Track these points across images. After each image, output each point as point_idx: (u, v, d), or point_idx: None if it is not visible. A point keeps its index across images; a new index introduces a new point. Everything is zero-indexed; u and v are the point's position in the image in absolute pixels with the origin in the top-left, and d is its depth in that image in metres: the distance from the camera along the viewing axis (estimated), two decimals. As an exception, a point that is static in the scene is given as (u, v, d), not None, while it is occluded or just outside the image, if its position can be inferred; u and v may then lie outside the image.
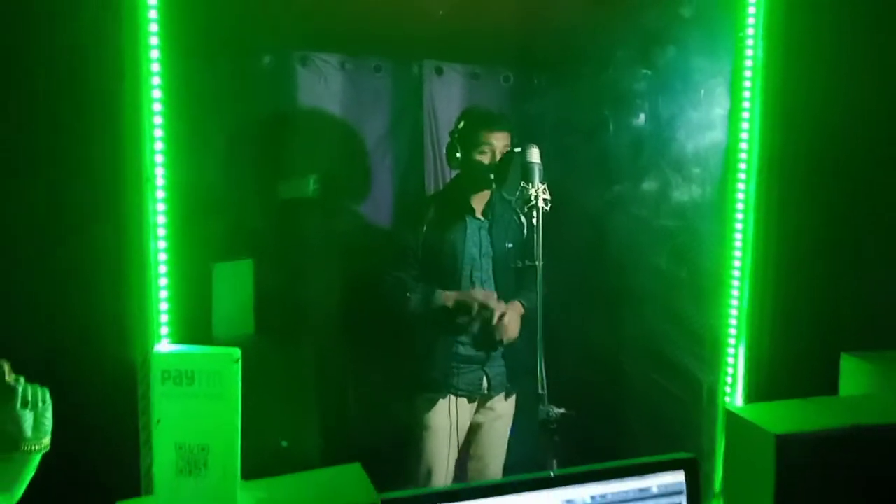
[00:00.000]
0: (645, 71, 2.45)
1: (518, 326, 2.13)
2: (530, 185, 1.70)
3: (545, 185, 1.71)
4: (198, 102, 1.62)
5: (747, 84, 1.91)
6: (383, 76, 2.62)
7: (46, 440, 1.09)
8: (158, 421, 1.16)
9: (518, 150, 1.83)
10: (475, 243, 2.18)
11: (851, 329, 1.87)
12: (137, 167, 1.50)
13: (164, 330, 1.54)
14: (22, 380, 1.07)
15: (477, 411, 2.25)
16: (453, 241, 2.16)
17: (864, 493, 1.40)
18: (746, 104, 1.92)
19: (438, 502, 1.14)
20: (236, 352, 1.17)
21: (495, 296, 2.14)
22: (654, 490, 1.23)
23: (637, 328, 2.40)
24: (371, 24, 2.24)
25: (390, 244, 2.34)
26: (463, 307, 2.11)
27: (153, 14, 1.50)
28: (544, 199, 1.69)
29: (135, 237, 1.51)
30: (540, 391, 1.60)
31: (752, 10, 1.89)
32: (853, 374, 1.73)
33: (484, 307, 2.10)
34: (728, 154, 1.97)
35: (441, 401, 2.17)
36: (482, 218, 2.21)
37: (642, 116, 2.48)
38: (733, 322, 1.97)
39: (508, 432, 2.29)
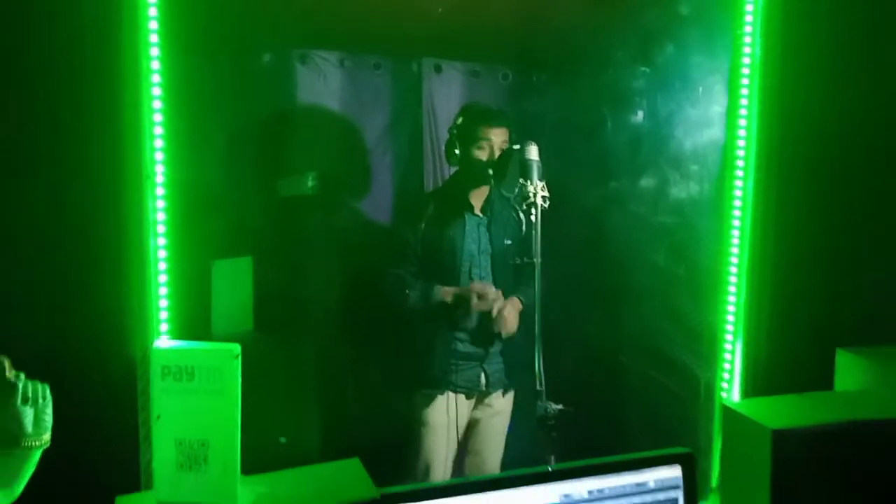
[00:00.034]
0: (643, 69, 2.45)
1: (516, 320, 2.14)
2: (529, 182, 1.71)
3: (544, 183, 1.72)
4: (197, 100, 1.63)
5: (745, 82, 1.92)
6: (382, 74, 2.62)
7: (47, 436, 1.09)
8: (158, 416, 1.17)
9: (517, 147, 1.84)
10: (474, 240, 2.19)
11: (847, 325, 1.88)
12: (137, 165, 1.51)
13: (164, 327, 1.55)
14: (22, 376, 1.07)
15: (475, 408, 2.26)
16: (452, 237, 2.17)
17: (860, 487, 1.41)
18: (744, 101, 1.92)
19: (438, 496, 1.14)
20: (236, 347, 1.17)
21: (493, 287, 2.14)
22: (651, 484, 1.23)
23: (635, 325, 2.41)
24: (370, 21, 2.24)
25: (390, 241, 2.35)
26: (461, 301, 2.12)
27: (153, 12, 1.50)
28: (543, 197, 1.69)
29: (134, 234, 1.51)
30: (538, 387, 1.61)
31: (749, 7, 1.90)
32: (849, 370, 1.74)
33: (482, 296, 2.10)
34: (726, 151, 1.97)
35: (439, 397, 2.18)
36: (481, 215, 2.21)
37: (640, 114, 2.49)
38: (730, 318, 1.97)
39: (506, 428, 2.30)
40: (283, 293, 2.24)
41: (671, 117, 2.31)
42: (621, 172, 2.52)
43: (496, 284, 2.18)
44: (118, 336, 1.51)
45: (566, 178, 2.19)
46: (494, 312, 2.11)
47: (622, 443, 2.09)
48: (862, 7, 1.94)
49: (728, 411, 1.54)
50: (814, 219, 1.94)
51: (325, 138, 2.54)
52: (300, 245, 2.39)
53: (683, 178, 2.27)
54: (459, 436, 2.23)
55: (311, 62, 2.49)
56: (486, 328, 2.14)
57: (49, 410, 1.10)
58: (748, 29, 1.91)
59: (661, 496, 1.24)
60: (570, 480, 1.20)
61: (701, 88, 2.17)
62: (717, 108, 2.06)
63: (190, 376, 1.16)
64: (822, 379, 1.77)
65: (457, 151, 2.17)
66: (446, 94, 2.63)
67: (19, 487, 1.09)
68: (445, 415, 2.18)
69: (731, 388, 1.99)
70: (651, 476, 1.24)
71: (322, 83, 2.50)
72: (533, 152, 1.77)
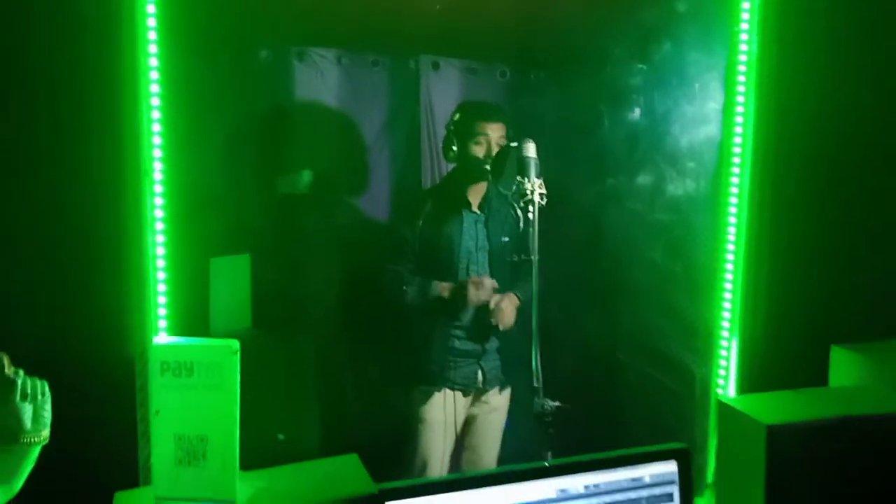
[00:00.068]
0: (640, 66, 2.46)
1: (513, 314, 2.15)
2: (526, 179, 1.71)
3: (541, 180, 1.72)
4: (195, 97, 1.63)
5: (741, 79, 1.92)
6: (380, 71, 2.62)
7: (45, 432, 1.10)
8: (157, 412, 1.17)
9: (514, 144, 1.85)
10: (471, 237, 2.19)
11: (842, 322, 1.89)
12: (136, 162, 1.51)
13: (162, 324, 1.55)
14: (21, 372, 1.08)
15: (472, 404, 2.26)
16: (450, 234, 2.17)
17: (854, 482, 1.42)
18: (741, 98, 1.93)
19: (436, 492, 1.15)
20: (235, 343, 1.18)
21: (489, 278, 2.15)
22: (647, 480, 1.24)
23: (632, 321, 2.42)
24: (368, 18, 2.25)
25: (387, 238, 2.35)
26: (458, 293, 2.12)
27: (151, 9, 1.50)
28: (540, 194, 1.69)
29: (133, 231, 1.52)
30: (535, 384, 1.61)
31: (746, 5, 1.91)
32: (843, 366, 1.75)
33: (478, 284, 2.10)
34: (722, 148, 1.98)
35: (437, 394, 2.19)
36: (478, 212, 2.22)
37: (637, 111, 2.49)
38: (726, 315, 1.98)
39: (503, 425, 2.30)
40: (282, 290, 2.24)
41: (668, 114, 2.32)
42: (618, 169, 2.53)
43: (493, 282, 2.18)
44: (117, 333, 1.52)
45: (564, 176, 2.20)
46: (492, 305, 2.12)
47: (619, 439, 2.10)
48: (858, 4, 1.94)
49: (723, 407, 1.55)
50: (809, 216, 1.95)
51: (322, 136, 2.54)
52: (298, 242, 2.40)
53: (680, 175, 2.28)
54: (457, 432, 2.24)
55: (309, 59, 2.49)
56: (483, 321, 2.14)
57: (48, 407, 1.10)
58: (745, 26, 1.91)
59: (656, 491, 1.24)
60: (566, 476, 1.20)
61: (698, 85, 2.17)
62: (714, 105, 2.06)
63: (189, 372, 1.16)
64: (816, 375, 1.78)
65: (454, 148, 2.18)
66: (444, 91, 2.64)
67: (18, 483, 1.09)
68: (442, 411, 2.19)
69: (726, 383, 2.00)
70: (647, 471, 1.24)
71: (320, 80, 2.50)
72: (531, 150, 1.78)
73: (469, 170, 2.17)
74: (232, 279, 2.12)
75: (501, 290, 2.16)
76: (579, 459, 1.22)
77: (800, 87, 1.90)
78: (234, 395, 1.18)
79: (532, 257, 1.65)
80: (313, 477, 1.26)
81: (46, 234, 1.48)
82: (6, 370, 1.06)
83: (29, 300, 1.49)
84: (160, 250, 1.54)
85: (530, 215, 1.67)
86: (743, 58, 1.92)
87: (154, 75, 1.52)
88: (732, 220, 1.96)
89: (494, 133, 2.13)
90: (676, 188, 2.29)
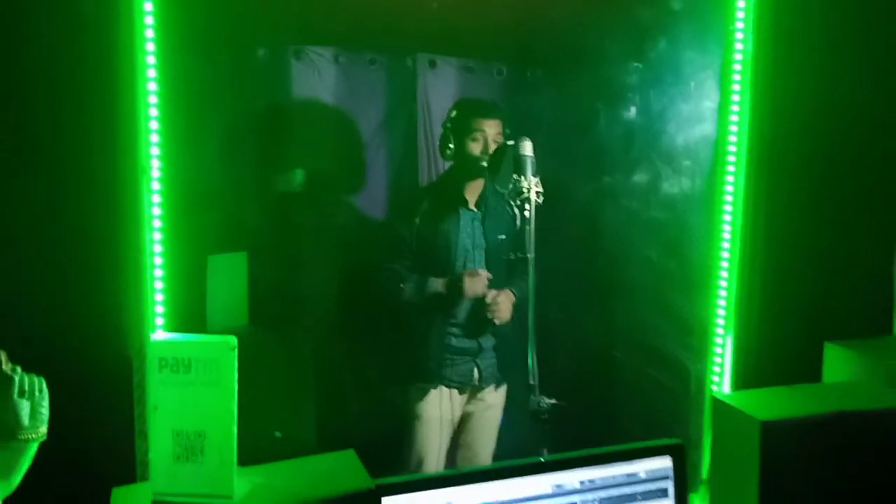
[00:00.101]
0: (636, 64, 2.47)
1: (510, 309, 2.15)
2: (523, 177, 1.71)
3: (538, 178, 1.72)
4: (193, 95, 1.64)
5: (737, 77, 1.94)
6: (377, 69, 2.62)
7: (43, 429, 1.10)
8: (155, 408, 1.18)
9: (511, 142, 1.85)
10: (468, 235, 2.20)
11: (835, 319, 1.90)
12: (133, 160, 1.52)
13: (160, 321, 1.56)
14: (19, 369, 1.08)
15: (468, 402, 2.27)
16: (447, 232, 2.18)
17: (848, 477, 1.43)
18: (736, 97, 1.94)
19: (432, 487, 1.16)
20: (233, 339, 1.18)
21: (484, 270, 2.15)
22: (642, 475, 1.25)
23: (627, 319, 2.43)
24: (365, 17, 2.25)
25: (384, 236, 2.35)
26: (454, 287, 2.13)
27: (148, 7, 1.51)
28: (537, 192, 1.70)
29: (131, 229, 1.52)
30: (531, 382, 1.62)
31: (741, 3, 1.92)
32: (836, 362, 1.76)
33: (473, 275, 2.11)
34: (717, 147, 1.99)
35: (433, 391, 2.19)
36: (475, 210, 2.22)
37: (633, 109, 2.50)
38: (721, 312, 2.00)
39: (499, 422, 2.31)
40: (279, 288, 2.25)
41: (664, 113, 2.33)
42: (614, 168, 2.53)
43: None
44: (114, 329, 1.52)
45: (560, 174, 2.20)
46: (489, 300, 2.13)
47: (615, 436, 2.11)
48: (853, 3, 1.95)
49: (718, 403, 1.56)
50: (804, 214, 1.96)
51: (319, 134, 2.54)
52: (295, 240, 2.40)
53: (675, 174, 2.29)
54: (454, 430, 2.25)
55: (306, 58, 2.49)
56: (479, 316, 2.15)
57: (46, 403, 1.11)
58: (740, 25, 1.92)
59: (651, 486, 1.26)
60: (562, 471, 1.21)
61: (693, 84, 2.18)
62: (709, 103, 2.07)
63: (187, 368, 1.16)
64: (810, 371, 1.79)
65: (451, 146, 2.18)
66: (441, 89, 2.64)
67: (16, 479, 1.10)
68: (439, 409, 2.19)
69: (721, 380, 2.01)
70: (642, 467, 1.25)
71: (317, 79, 2.50)
72: (527, 148, 1.78)
73: (466, 167, 2.18)
74: (229, 276, 2.13)
75: (498, 288, 2.17)
76: (575, 455, 1.23)
77: (795, 85, 1.92)
78: (231, 391, 1.18)
79: (528, 255, 1.65)
80: (311, 473, 1.27)
81: (44, 231, 1.49)
82: (4, 367, 1.07)
83: (27, 297, 1.50)
84: (158, 248, 1.55)
85: (527, 213, 1.67)
86: (738, 56, 1.93)
87: (152, 74, 1.52)
88: (727, 217, 1.97)
89: (491, 130, 2.14)
90: (672, 186, 2.30)
